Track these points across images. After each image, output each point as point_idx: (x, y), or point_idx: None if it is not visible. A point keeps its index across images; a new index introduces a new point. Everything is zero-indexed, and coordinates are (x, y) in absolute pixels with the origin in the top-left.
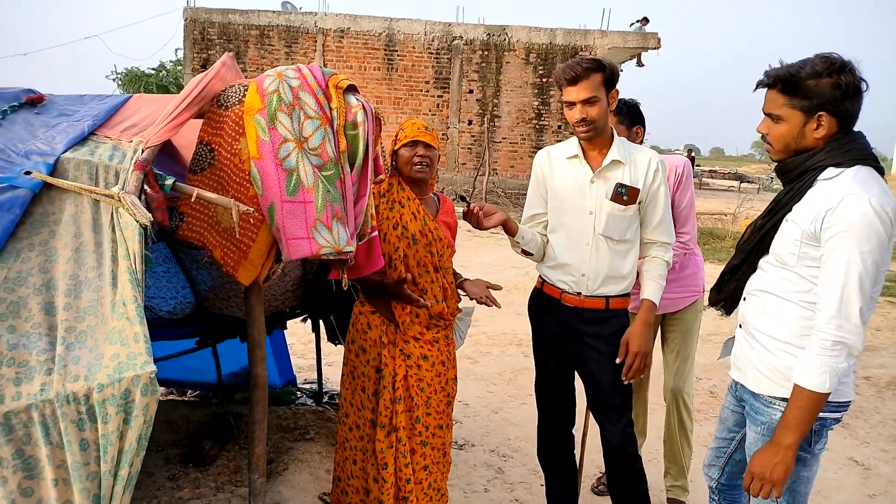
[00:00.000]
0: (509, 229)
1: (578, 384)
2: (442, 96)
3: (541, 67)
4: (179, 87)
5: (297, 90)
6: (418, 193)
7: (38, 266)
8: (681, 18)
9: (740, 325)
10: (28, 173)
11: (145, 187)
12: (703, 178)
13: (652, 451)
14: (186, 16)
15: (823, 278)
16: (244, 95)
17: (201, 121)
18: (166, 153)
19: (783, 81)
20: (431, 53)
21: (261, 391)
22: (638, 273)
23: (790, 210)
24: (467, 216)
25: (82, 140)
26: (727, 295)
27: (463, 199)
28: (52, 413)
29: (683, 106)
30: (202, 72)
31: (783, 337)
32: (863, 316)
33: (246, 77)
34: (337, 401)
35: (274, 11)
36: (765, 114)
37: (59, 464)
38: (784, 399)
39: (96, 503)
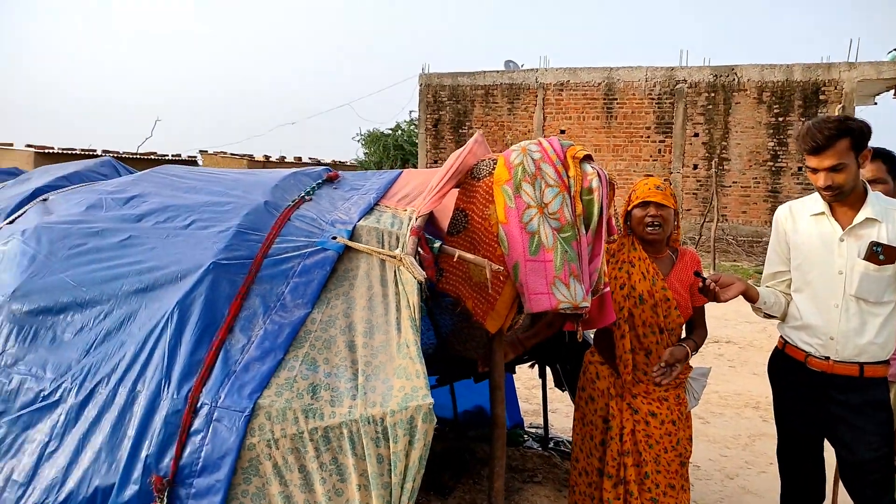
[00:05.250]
0: (749, 297)
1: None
2: (664, 141)
3: (776, 106)
4: (413, 145)
5: (538, 162)
6: (652, 252)
7: (342, 312)
8: None
9: None
10: (334, 238)
11: (419, 249)
12: None
13: None
14: (421, 81)
15: None
16: (493, 168)
17: (456, 190)
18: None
19: None
20: (653, 99)
21: (500, 430)
22: None
23: None
24: (703, 291)
25: (370, 210)
26: None
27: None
28: (357, 430)
29: None
30: (434, 130)
31: None
32: None
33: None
34: (562, 448)
35: (498, 71)
36: None
37: (361, 472)
38: None
39: None
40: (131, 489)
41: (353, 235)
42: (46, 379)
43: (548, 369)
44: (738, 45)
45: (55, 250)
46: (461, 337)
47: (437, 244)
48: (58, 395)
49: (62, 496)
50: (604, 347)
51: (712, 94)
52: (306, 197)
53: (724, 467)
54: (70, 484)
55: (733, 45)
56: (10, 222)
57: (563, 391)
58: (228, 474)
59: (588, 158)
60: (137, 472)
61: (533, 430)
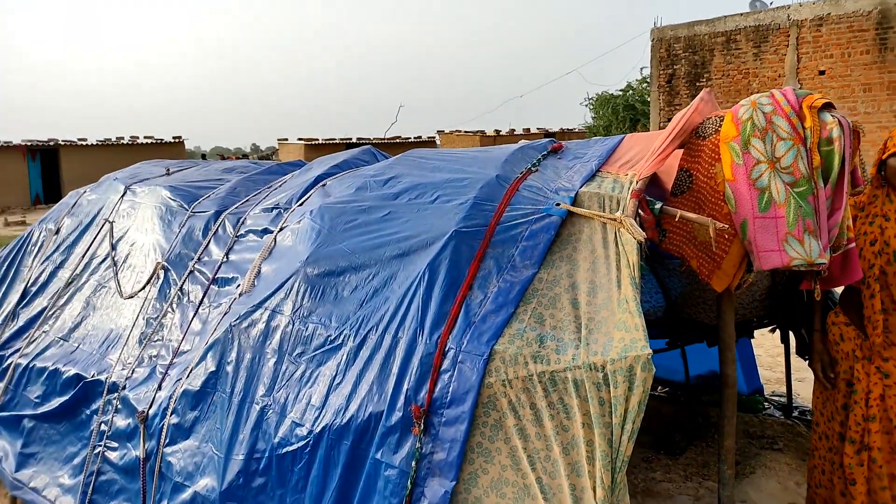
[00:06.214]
0: None
1: None
2: None
3: None
4: (644, 104)
5: (770, 115)
6: None
7: (565, 272)
8: None
9: None
10: (557, 205)
11: (639, 211)
12: None
13: None
14: (653, 36)
15: None
16: (720, 126)
17: (679, 151)
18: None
19: None
20: None
21: (730, 390)
22: None
23: None
24: None
25: (591, 177)
26: None
27: None
28: (580, 376)
29: None
30: (667, 87)
31: None
32: None
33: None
34: (808, 418)
35: (741, 14)
36: None
37: (584, 412)
38: None
39: (610, 445)
40: (396, 415)
41: (575, 201)
42: (332, 327)
43: (790, 334)
44: None
45: (335, 225)
46: (691, 300)
47: (658, 205)
48: (340, 340)
49: (346, 419)
50: (851, 307)
51: None
52: (532, 168)
53: None
54: (351, 409)
55: None
56: (300, 204)
57: (805, 360)
58: (471, 407)
59: (828, 107)
60: (400, 402)
61: (776, 399)
